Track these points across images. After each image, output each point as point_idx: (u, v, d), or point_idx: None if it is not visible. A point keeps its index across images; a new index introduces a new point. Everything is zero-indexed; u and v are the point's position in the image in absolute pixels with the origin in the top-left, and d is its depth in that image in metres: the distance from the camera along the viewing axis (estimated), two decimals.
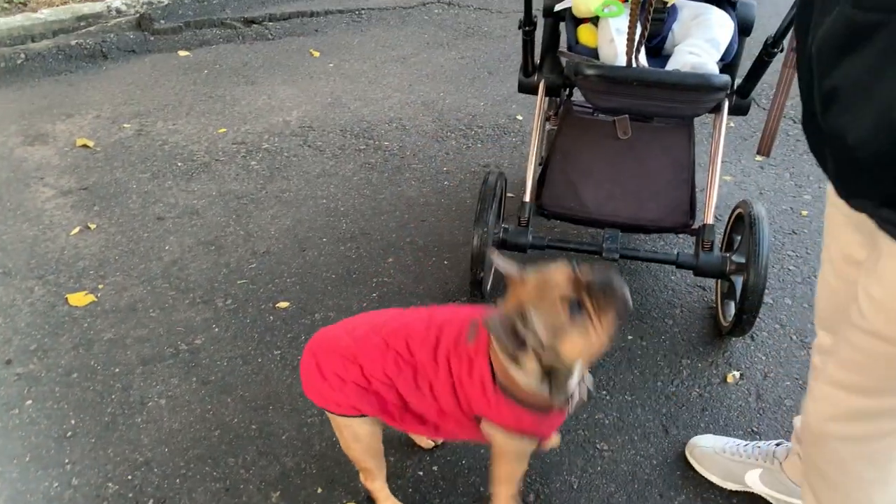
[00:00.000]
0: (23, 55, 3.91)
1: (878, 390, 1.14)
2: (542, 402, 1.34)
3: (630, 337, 2.24)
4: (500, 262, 1.31)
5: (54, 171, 3.03)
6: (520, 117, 3.55)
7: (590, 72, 1.81)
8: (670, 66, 1.96)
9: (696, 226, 2.21)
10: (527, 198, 2.25)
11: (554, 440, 1.89)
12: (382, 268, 2.51)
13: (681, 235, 2.60)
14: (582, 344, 1.22)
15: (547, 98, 2.30)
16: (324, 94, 3.75)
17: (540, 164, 2.41)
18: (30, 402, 1.99)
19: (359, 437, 1.52)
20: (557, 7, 2.19)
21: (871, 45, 0.88)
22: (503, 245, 2.24)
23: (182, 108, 3.58)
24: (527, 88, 2.37)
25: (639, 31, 1.71)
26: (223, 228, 2.70)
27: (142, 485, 1.77)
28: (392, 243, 2.64)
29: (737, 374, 2.12)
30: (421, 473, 1.80)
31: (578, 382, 1.38)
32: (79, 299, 2.34)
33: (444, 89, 3.84)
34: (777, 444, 1.72)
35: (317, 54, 4.26)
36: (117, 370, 2.09)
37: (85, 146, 3.22)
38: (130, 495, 1.75)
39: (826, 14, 0.93)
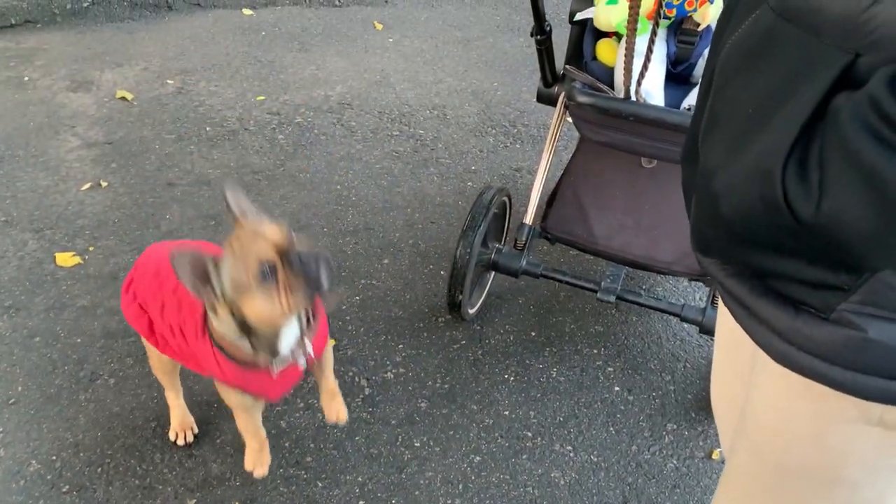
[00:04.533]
0: None
1: None
2: (244, 357, 1.33)
3: (617, 388, 2.03)
4: (232, 196, 1.26)
5: (87, 122, 3.04)
6: (569, 119, 3.30)
7: (582, 99, 1.60)
8: (689, 100, 1.71)
9: None
10: (527, 219, 2.06)
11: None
12: (374, 269, 2.38)
13: (696, 284, 2.34)
14: (261, 308, 1.20)
15: None
16: (374, 70, 3.62)
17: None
18: None
19: (150, 355, 1.68)
20: (578, 16, 1.98)
21: (771, 67, 0.67)
22: (494, 267, 2.08)
23: (229, 69, 3.53)
24: (546, 100, 2.17)
25: (640, 60, 1.47)
26: None
27: (62, 468, 1.73)
28: (393, 243, 2.49)
29: None
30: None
31: (294, 347, 1.36)
32: (66, 259, 2.32)
33: (499, 79, 3.63)
34: None
35: (380, 27, 4.11)
36: (79, 340, 2.05)
37: (123, 98, 3.21)
38: (49, 477, 1.71)
39: (751, 12, 0.72)
